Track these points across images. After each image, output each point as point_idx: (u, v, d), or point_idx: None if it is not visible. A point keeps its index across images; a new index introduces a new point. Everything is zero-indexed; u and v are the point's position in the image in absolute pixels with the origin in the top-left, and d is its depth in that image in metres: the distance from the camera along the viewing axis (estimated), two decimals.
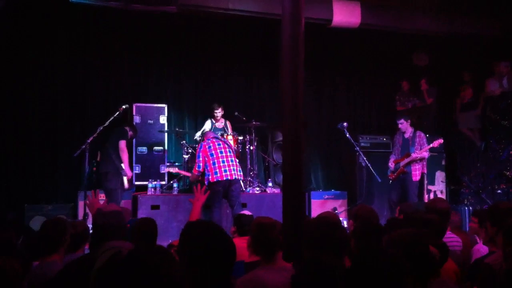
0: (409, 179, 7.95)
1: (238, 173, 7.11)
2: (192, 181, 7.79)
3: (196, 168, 7.12)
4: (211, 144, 7.13)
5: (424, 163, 8.09)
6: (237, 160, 7.26)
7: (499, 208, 3.59)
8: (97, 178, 7.45)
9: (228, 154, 7.12)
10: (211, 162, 6.99)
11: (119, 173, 7.35)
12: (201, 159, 7.09)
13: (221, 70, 9.92)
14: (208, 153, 7.04)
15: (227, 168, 6.98)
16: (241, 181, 7.49)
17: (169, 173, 8.76)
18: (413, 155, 7.90)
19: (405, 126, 8.08)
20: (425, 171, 8.19)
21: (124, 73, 9.20)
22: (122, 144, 7.38)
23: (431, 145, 7.94)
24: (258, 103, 10.13)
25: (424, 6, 8.67)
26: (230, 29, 9.43)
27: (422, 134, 8.09)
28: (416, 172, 7.96)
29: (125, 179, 7.43)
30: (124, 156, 7.39)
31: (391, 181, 8.08)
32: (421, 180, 8.18)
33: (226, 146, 7.22)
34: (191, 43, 9.58)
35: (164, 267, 1.86)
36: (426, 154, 7.99)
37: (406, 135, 8.10)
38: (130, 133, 7.72)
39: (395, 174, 7.99)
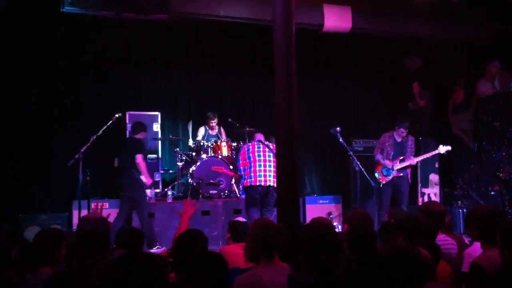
0: (404, 183, 7.91)
1: (274, 179, 6.48)
2: (237, 180, 7.63)
3: (238, 173, 6.99)
4: (250, 147, 6.87)
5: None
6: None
7: (478, 212, 3.66)
8: (91, 188, 7.33)
9: (267, 158, 6.74)
10: (248, 165, 6.72)
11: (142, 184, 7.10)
12: (240, 162, 6.87)
13: (215, 76, 9.90)
14: (246, 156, 6.79)
15: (262, 173, 6.66)
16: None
17: (164, 181, 8.76)
18: (415, 160, 7.92)
19: (406, 132, 7.96)
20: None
21: (118, 80, 9.17)
22: (139, 158, 7.03)
23: (436, 152, 7.98)
24: (252, 108, 10.13)
25: (416, 11, 8.68)
26: (223, 35, 9.44)
27: (413, 139, 8.12)
28: (409, 176, 8.02)
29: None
30: (142, 168, 7.06)
31: (382, 185, 7.86)
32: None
33: (266, 150, 6.84)
34: (184, 49, 9.56)
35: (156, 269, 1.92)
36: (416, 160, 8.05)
37: (399, 139, 7.99)
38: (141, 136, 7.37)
39: (389, 178, 7.88)
